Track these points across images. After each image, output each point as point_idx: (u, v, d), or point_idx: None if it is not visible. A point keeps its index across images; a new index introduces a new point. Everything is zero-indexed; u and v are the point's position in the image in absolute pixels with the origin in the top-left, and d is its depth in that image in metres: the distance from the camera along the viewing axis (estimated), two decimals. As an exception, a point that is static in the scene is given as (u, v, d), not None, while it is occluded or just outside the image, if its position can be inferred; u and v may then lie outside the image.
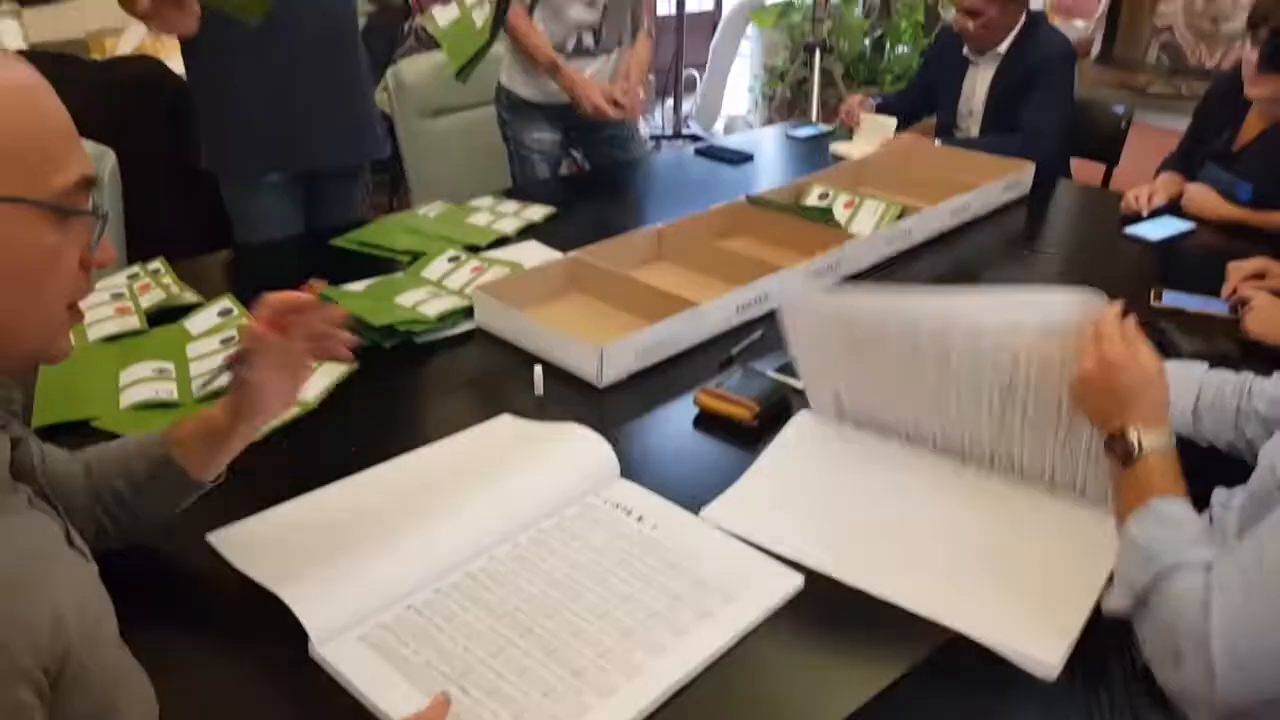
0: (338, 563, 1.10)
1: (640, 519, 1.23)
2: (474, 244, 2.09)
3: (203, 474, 1.10)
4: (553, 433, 1.37)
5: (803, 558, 1.18)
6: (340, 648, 1.03)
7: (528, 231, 2.22)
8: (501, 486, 1.24)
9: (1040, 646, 1.06)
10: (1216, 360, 1.54)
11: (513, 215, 2.28)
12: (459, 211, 2.31)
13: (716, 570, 1.15)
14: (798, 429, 1.42)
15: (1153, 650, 1.00)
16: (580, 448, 1.32)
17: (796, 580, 1.14)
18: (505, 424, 1.44)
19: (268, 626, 1.03)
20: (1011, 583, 1.15)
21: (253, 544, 1.16)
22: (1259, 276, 1.82)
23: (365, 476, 1.30)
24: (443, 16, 2.32)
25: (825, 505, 1.30)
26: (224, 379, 1.08)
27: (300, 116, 2.19)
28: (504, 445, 1.37)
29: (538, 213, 2.30)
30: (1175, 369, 1.39)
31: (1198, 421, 1.33)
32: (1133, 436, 1.09)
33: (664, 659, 1.02)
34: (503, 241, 2.15)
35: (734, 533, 1.22)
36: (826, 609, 1.12)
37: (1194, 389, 1.34)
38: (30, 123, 0.77)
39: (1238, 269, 1.84)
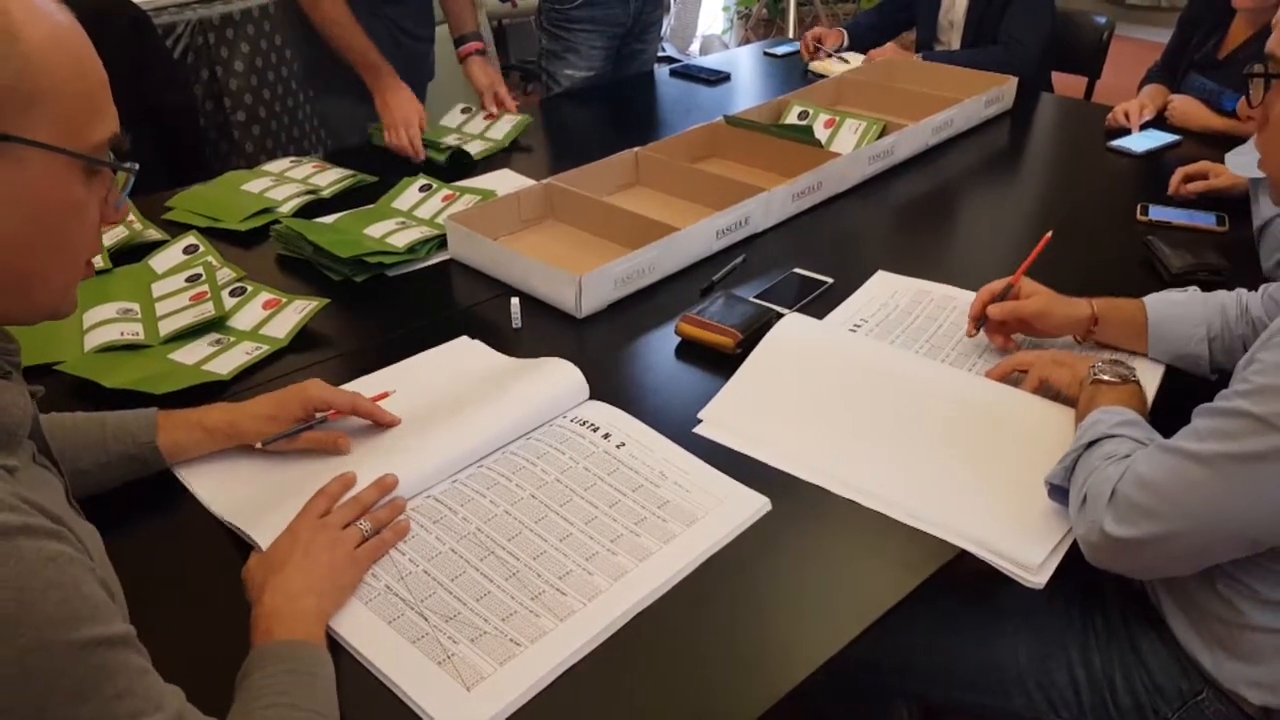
0: (301, 488, 1.08)
1: (607, 436, 1.22)
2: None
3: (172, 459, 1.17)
4: (519, 364, 1.36)
5: (788, 466, 1.19)
6: None
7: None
8: (469, 411, 1.22)
9: (1025, 553, 1.06)
10: (1205, 273, 1.51)
11: (478, 137, 2.22)
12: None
13: (681, 492, 1.14)
14: (780, 333, 1.41)
15: (1072, 509, 1.06)
16: (548, 370, 1.30)
17: (763, 502, 1.13)
18: (465, 345, 1.43)
19: (235, 562, 1.01)
20: (995, 489, 1.15)
21: (215, 474, 1.16)
22: (1201, 177, 1.88)
23: None
24: None
25: (808, 410, 1.29)
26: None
27: None
28: (472, 371, 1.34)
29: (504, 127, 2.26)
30: (1179, 305, 1.34)
31: (1212, 353, 1.30)
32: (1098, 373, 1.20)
33: (624, 583, 1.01)
34: (459, 160, 2.10)
35: (719, 443, 1.22)
36: (799, 531, 1.10)
37: (1202, 323, 1.31)
38: (81, 72, 0.74)
39: (1182, 171, 1.90)
